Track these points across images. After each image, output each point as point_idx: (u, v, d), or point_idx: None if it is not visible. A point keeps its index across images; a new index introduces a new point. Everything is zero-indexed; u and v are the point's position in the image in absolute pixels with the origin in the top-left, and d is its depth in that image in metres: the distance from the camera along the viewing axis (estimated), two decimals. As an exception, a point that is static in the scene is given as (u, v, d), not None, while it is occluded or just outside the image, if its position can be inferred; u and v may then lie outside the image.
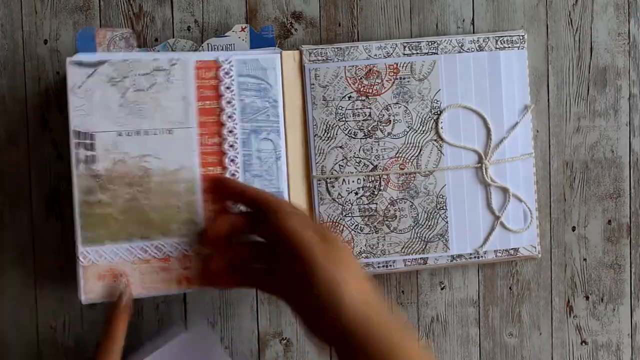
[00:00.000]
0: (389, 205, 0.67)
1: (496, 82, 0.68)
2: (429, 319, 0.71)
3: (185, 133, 0.64)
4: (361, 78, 0.67)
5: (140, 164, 0.63)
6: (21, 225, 0.68)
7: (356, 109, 0.67)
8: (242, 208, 0.63)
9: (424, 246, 0.68)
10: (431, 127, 0.67)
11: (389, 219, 0.67)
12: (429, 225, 0.68)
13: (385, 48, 0.67)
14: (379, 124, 0.67)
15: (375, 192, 0.67)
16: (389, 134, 0.67)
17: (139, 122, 0.63)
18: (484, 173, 0.68)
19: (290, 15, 0.69)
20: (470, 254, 0.68)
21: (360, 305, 0.55)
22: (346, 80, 0.67)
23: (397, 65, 0.67)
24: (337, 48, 0.67)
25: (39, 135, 0.68)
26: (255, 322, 0.70)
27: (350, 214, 0.67)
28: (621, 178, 0.71)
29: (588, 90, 0.71)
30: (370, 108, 0.67)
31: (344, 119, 0.67)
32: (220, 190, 0.63)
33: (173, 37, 0.68)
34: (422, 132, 0.67)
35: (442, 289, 0.71)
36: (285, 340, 0.70)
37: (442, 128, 0.67)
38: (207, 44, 0.67)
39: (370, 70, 0.67)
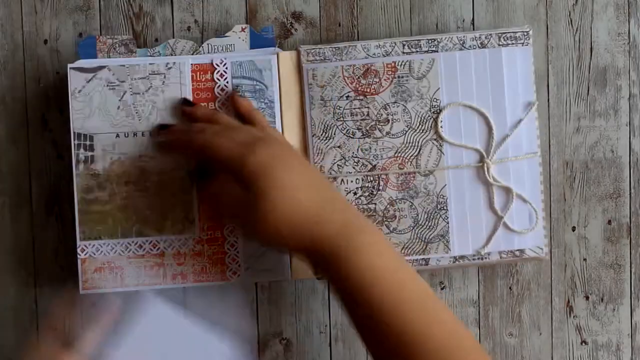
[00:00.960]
0: (388, 206, 0.67)
1: (498, 80, 0.67)
2: (429, 319, 0.71)
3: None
4: (359, 77, 0.66)
5: (137, 163, 0.65)
6: (21, 225, 0.68)
7: (354, 108, 0.67)
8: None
9: (424, 247, 0.67)
10: (430, 126, 0.67)
11: (389, 219, 0.67)
12: (429, 226, 0.67)
13: (384, 47, 0.67)
14: (377, 123, 0.67)
15: (374, 192, 0.67)
16: (387, 133, 0.67)
17: (137, 124, 0.65)
18: (486, 172, 0.67)
19: (290, 15, 0.69)
20: (473, 255, 0.68)
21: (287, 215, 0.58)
22: (344, 79, 0.66)
23: (395, 63, 0.66)
24: (335, 48, 0.66)
25: (39, 135, 0.68)
26: (255, 322, 0.70)
27: (349, 214, 0.67)
28: (621, 178, 0.71)
29: (588, 90, 0.71)
30: (368, 107, 0.67)
31: (342, 118, 0.67)
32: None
33: (173, 37, 0.68)
34: (421, 131, 0.67)
35: (442, 289, 0.71)
36: (285, 340, 0.70)
37: (441, 127, 0.67)
38: (207, 44, 0.67)
39: (368, 69, 0.66)
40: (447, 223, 0.67)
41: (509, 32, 0.67)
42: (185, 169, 0.65)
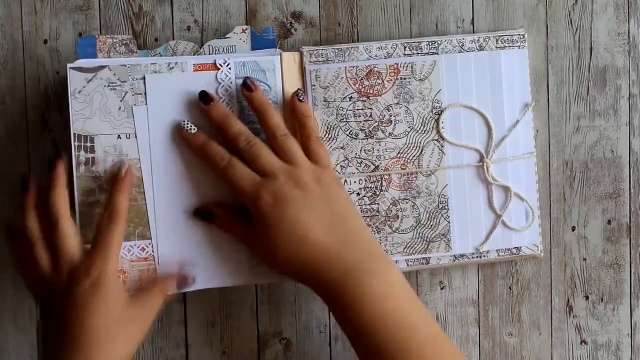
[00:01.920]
0: (391, 206, 0.67)
1: (497, 82, 0.68)
2: (429, 319, 0.71)
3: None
4: (362, 79, 0.67)
5: (138, 165, 0.64)
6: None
7: (357, 109, 0.67)
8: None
9: (426, 246, 0.68)
10: (432, 127, 0.67)
11: (391, 220, 0.67)
12: (431, 225, 0.68)
13: (386, 49, 0.67)
14: (380, 124, 0.67)
15: (377, 193, 0.67)
16: (390, 134, 0.67)
17: (138, 126, 0.64)
18: (486, 172, 0.68)
19: (290, 16, 0.69)
20: (473, 254, 0.68)
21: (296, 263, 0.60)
22: (347, 81, 0.67)
23: (397, 65, 0.67)
24: (337, 49, 0.67)
25: (39, 135, 0.68)
26: (255, 322, 0.70)
27: (351, 215, 0.67)
28: (621, 178, 0.71)
29: (588, 90, 0.71)
30: (371, 109, 0.67)
31: (345, 120, 0.67)
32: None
33: (173, 37, 0.68)
34: (423, 132, 0.67)
35: (442, 289, 0.71)
36: (285, 340, 0.70)
37: (443, 128, 0.67)
38: (209, 46, 0.67)
39: (371, 71, 0.67)
40: (449, 222, 0.68)
41: (506, 36, 0.68)
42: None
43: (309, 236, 0.60)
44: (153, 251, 0.65)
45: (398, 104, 0.67)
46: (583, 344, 0.72)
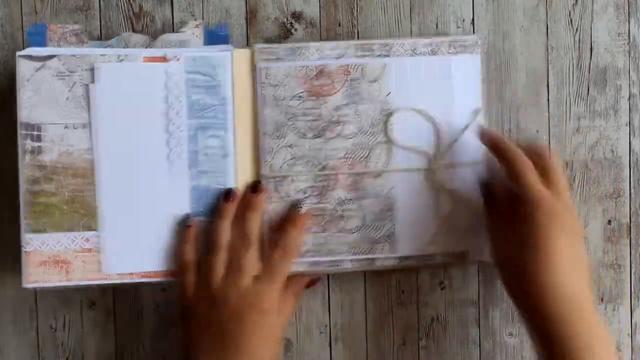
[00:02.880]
0: (337, 206, 0.67)
1: (447, 87, 0.68)
2: (429, 319, 0.71)
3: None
4: (312, 78, 0.67)
5: (85, 156, 0.64)
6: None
7: (306, 109, 0.67)
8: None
9: (370, 247, 0.68)
10: (381, 129, 0.67)
11: (337, 219, 0.67)
12: (376, 227, 0.68)
13: (338, 49, 0.67)
14: (329, 124, 0.67)
15: (324, 192, 0.67)
16: (338, 134, 0.67)
17: (86, 116, 0.64)
18: (433, 176, 0.68)
19: (290, 15, 0.69)
20: (418, 256, 0.68)
21: (566, 289, 0.59)
22: (297, 80, 0.67)
23: (348, 66, 0.67)
24: (289, 48, 0.67)
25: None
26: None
27: (298, 213, 0.67)
28: (621, 178, 0.71)
29: (588, 90, 0.71)
30: (320, 108, 0.67)
31: (294, 118, 0.67)
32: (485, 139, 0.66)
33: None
34: (371, 133, 0.67)
35: (442, 289, 0.71)
36: (285, 340, 0.70)
37: (392, 130, 0.67)
38: (161, 39, 0.66)
39: (321, 71, 0.67)
40: (394, 224, 0.68)
41: (458, 41, 0.68)
42: None
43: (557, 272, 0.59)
44: (98, 242, 0.65)
45: (347, 104, 0.67)
46: (583, 343, 0.72)
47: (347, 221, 0.68)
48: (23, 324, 0.68)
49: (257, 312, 0.62)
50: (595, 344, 0.58)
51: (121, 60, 0.65)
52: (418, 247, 0.68)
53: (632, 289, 0.72)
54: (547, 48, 0.71)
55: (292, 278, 0.66)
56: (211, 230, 0.64)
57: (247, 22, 0.68)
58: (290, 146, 0.67)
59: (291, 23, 0.69)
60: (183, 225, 0.65)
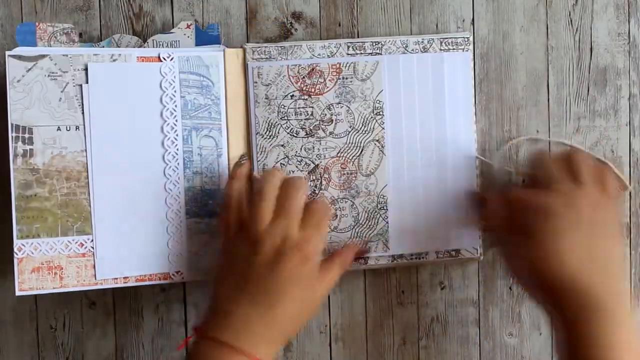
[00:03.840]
0: (329, 205, 0.67)
1: (440, 84, 0.68)
2: (429, 319, 0.71)
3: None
4: (304, 77, 0.67)
5: (78, 158, 0.64)
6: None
7: (298, 107, 0.67)
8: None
9: (363, 246, 0.68)
10: (373, 127, 0.67)
11: (330, 219, 0.67)
12: (369, 225, 0.68)
13: (329, 48, 0.67)
14: (321, 123, 0.67)
15: (317, 192, 0.67)
16: (330, 133, 0.67)
17: (79, 117, 0.64)
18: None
19: (290, 15, 0.69)
20: (411, 255, 0.68)
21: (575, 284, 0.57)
22: (289, 79, 0.67)
23: (339, 65, 0.67)
24: (280, 47, 0.67)
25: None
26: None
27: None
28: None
29: (588, 90, 0.71)
30: (312, 107, 0.67)
31: (286, 117, 0.67)
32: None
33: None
34: (364, 132, 0.67)
35: (442, 289, 0.71)
36: (285, 341, 0.70)
37: (383, 128, 0.67)
38: (152, 40, 0.66)
39: (313, 69, 0.67)
40: (387, 223, 0.68)
41: (450, 38, 0.68)
42: None
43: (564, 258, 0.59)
44: (93, 247, 0.64)
45: (339, 103, 0.67)
46: (583, 343, 0.72)
47: (340, 220, 0.68)
48: (23, 324, 0.68)
49: (300, 256, 0.59)
50: (616, 343, 0.56)
51: (114, 60, 0.64)
52: (411, 245, 0.68)
53: (632, 289, 0.72)
54: (547, 48, 0.71)
55: (338, 249, 0.65)
56: (260, 179, 0.63)
57: (247, 22, 0.68)
58: (282, 145, 0.67)
59: (291, 23, 0.69)
60: (237, 162, 0.65)
